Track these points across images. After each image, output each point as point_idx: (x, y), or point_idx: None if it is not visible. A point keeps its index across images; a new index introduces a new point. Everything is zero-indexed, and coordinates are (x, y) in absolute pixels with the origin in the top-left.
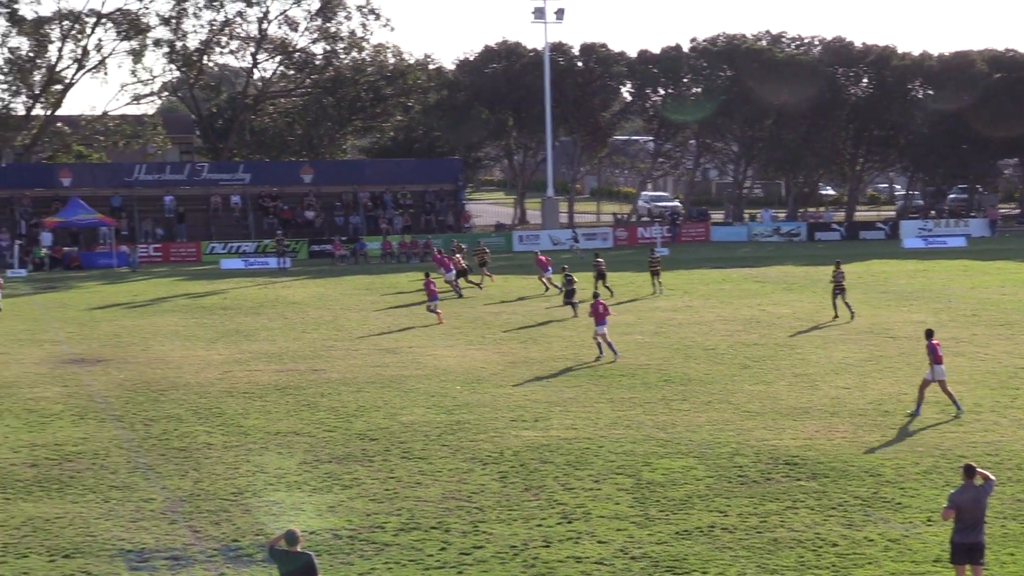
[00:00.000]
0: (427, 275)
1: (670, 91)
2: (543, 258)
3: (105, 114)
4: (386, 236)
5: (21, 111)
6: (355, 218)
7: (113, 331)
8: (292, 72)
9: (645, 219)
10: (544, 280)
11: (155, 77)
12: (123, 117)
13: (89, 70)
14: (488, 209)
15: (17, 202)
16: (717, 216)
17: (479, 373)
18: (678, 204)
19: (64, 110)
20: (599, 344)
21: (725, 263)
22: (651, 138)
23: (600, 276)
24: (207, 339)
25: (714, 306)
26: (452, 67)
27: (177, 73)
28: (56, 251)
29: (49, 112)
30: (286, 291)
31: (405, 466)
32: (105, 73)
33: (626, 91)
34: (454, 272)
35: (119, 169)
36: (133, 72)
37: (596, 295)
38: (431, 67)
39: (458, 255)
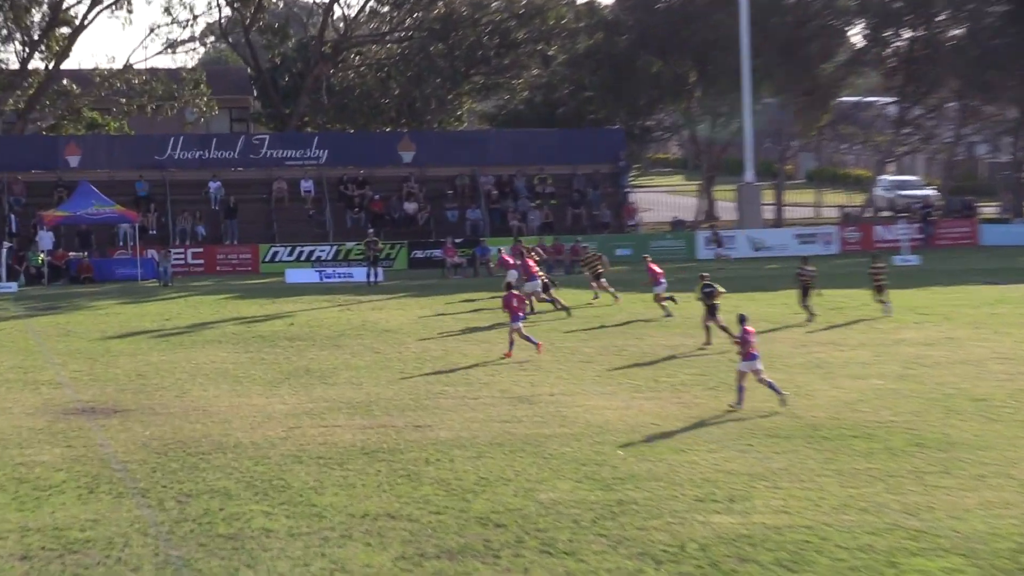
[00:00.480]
0: (510, 286)
1: (920, 32)
2: (656, 268)
3: (128, 67)
4: (517, 238)
5: (14, 63)
6: (474, 212)
7: (136, 370)
8: (387, 9)
9: (885, 214)
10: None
11: (197, 16)
12: (152, 72)
13: (107, 7)
14: (661, 200)
15: (6, 189)
16: (989, 209)
17: (649, 431)
18: (932, 193)
19: (72, 62)
20: (741, 388)
21: (1001, 276)
22: (892, 99)
23: (805, 290)
24: (266, 382)
25: (986, 338)
26: (610, 0)
27: (227, 10)
28: (59, 257)
29: (51, 65)
30: (377, 314)
31: (545, 564)
32: (129, 11)
33: (856, 33)
34: (539, 282)
35: (146, 143)
36: (167, 9)
37: (743, 320)
38: (580, 1)
39: (533, 256)
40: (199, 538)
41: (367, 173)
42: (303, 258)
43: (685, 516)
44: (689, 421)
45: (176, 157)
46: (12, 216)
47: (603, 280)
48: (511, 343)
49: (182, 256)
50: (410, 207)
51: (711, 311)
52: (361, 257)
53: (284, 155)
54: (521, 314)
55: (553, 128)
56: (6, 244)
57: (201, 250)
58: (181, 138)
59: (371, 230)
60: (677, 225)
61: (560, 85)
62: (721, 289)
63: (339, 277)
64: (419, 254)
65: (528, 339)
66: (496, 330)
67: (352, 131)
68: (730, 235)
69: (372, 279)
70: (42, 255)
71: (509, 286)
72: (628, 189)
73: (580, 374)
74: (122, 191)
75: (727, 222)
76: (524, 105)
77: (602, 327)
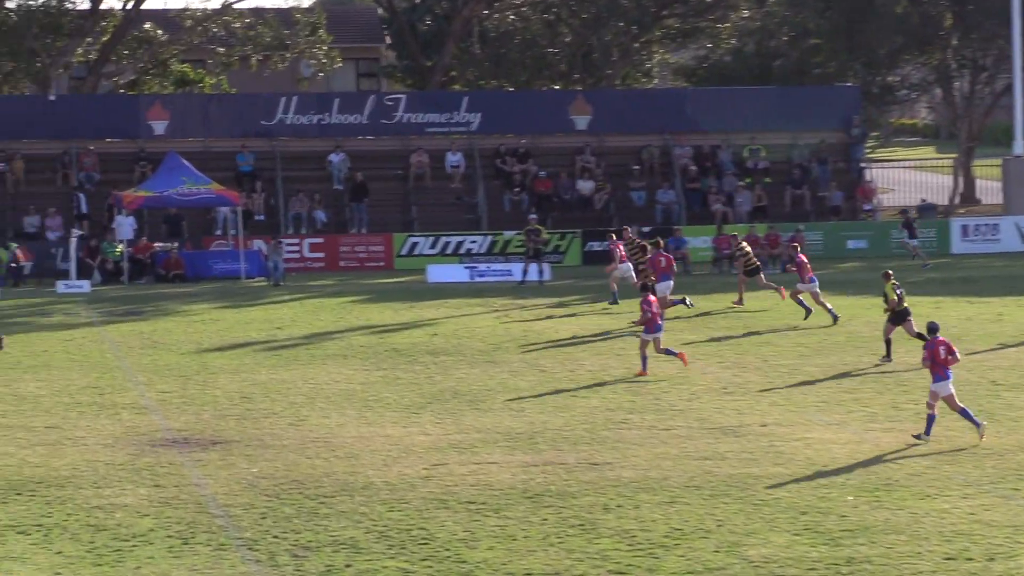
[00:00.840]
0: (645, 286)
1: None
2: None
3: (227, 8)
4: (721, 226)
5: (83, 3)
6: (666, 193)
7: (240, 391)
8: None
9: None
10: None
11: None
12: (259, 13)
13: None
14: (905, 178)
15: (75, 162)
16: None
17: (887, 472)
18: None
19: (156, 1)
20: (930, 417)
21: None
22: None
23: None
24: (403, 407)
25: None
26: None
27: None
28: (141, 248)
29: (130, 5)
30: (543, 323)
31: None
32: None
33: None
34: (671, 282)
35: (251, 105)
36: None
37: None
38: None
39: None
40: None
41: (530, 143)
42: (449, 251)
43: None
44: (938, 459)
45: (288, 122)
46: (82, 196)
47: (760, 276)
48: (680, 355)
49: (297, 248)
50: (585, 186)
51: (899, 317)
52: (521, 250)
53: (425, 120)
54: (660, 322)
55: (768, 86)
56: (75, 232)
57: (321, 241)
58: (295, 98)
59: (533, 215)
60: (926, 211)
61: (777, 31)
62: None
63: (494, 275)
64: (595, 246)
65: (668, 352)
66: (696, 345)
67: (511, 89)
68: (993, 222)
69: (534, 277)
70: (120, 246)
71: (645, 288)
72: (864, 164)
73: (800, 400)
74: (220, 165)
75: (990, 206)
76: (731, 56)
77: (824, 340)
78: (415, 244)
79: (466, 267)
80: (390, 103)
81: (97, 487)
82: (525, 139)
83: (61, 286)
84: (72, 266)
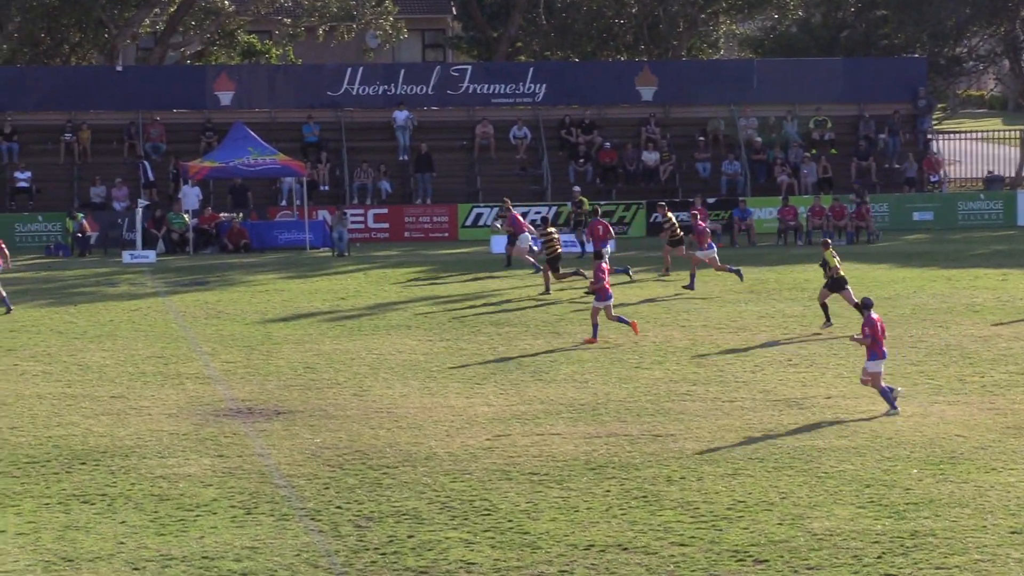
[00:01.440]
0: (599, 254)
1: None
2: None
3: None
4: (786, 198)
5: None
6: (731, 165)
7: (304, 361)
8: None
9: None
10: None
11: None
12: None
13: None
14: (972, 149)
15: (142, 133)
16: None
17: (953, 445)
18: None
19: None
20: (883, 391)
21: None
22: None
23: None
24: (466, 378)
25: None
26: None
27: None
28: (207, 219)
29: None
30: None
31: None
32: None
33: None
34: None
35: (317, 76)
36: None
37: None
38: None
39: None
40: (382, 572)
41: (595, 114)
42: None
43: (997, 552)
44: (1004, 432)
45: (354, 93)
46: (147, 166)
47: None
48: (594, 327)
49: (361, 218)
50: (650, 158)
51: (837, 285)
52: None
53: (491, 91)
54: (610, 290)
55: (835, 57)
56: (141, 202)
57: (385, 211)
58: (361, 69)
59: (576, 188)
60: (993, 183)
61: (844, 2)
62: None
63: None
64: (660, 217)
65: (620, 320)
66: (760, 317)
67: (577, 60)
68: None
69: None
70: (186, 216)
71: (599, 255)
72: (931, 135)
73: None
74: (286, 136)
75: None
76: (797, 27)
77: (888, 312)
78: (479, 215)
79: (533, 237)
80: (456, 74)
81: (161, 457)
82: (590, 110)
83: (127, 256)
84: (138, 236)
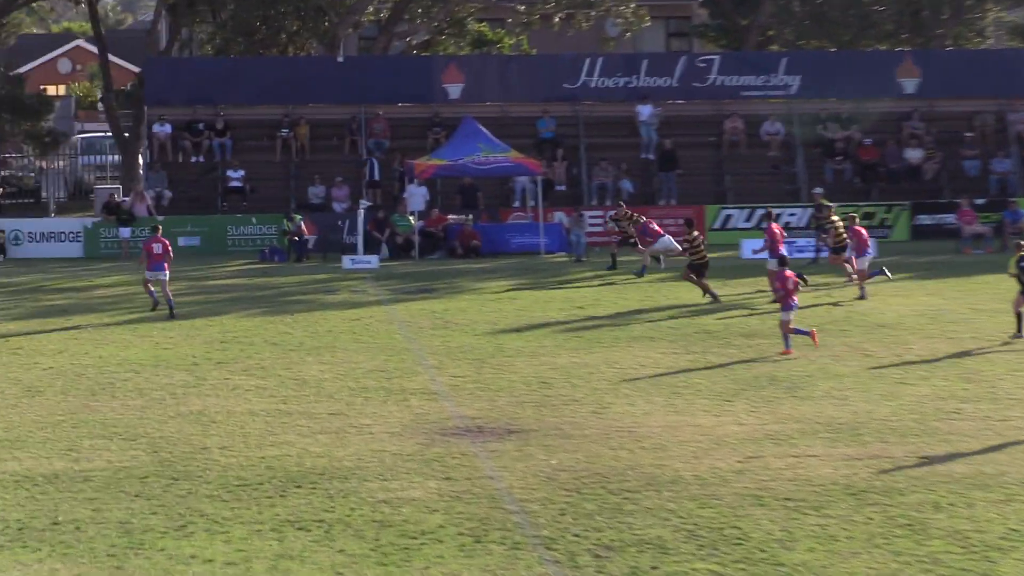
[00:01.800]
0: (783, 260)
1: None
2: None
3: None
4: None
5: None
6: (1002, 163)
7: (538, 375)
8: None
9: None
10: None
11: None
12: None
13: None
14: None
15: (364, 128)
16: None
17: None
18: None
19: None
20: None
21: None
22: None
23: None
24: (715, 394)
25: None
26: None
27: None
28: (434, 221)
29: None
30: (864, 303)
31: None
32: None
33: None
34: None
35: (552, 67)
36: None
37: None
38: None
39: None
40: None
41: (854, 108)
42: (762, 225)
43: None
44: None
45: (593, 85)
46: (373, 162)
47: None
48: (811, 334)
49: (601, 221)
50: (913, 155)
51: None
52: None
53: (740, 83)
54: (792, 303)
55: None
56: (363, 203)
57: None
58: (600, 60)
59: (818, 190)
60: None
61: None
62: None
63: (816, 252)
64: (925, 220)
65: (796, 332)
66: None
67: (834, 50)
68: None
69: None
70: (411, 218)
71: (783, 261)
72: None
73: None
74: (520, 131)
75: None
76: None
77: None
78: (728, 216)
79: (785, 241)
80: (702, 65)
81: (383, 479)
82: (848, 103)
83: (347, 261)
84: (359, 240)
